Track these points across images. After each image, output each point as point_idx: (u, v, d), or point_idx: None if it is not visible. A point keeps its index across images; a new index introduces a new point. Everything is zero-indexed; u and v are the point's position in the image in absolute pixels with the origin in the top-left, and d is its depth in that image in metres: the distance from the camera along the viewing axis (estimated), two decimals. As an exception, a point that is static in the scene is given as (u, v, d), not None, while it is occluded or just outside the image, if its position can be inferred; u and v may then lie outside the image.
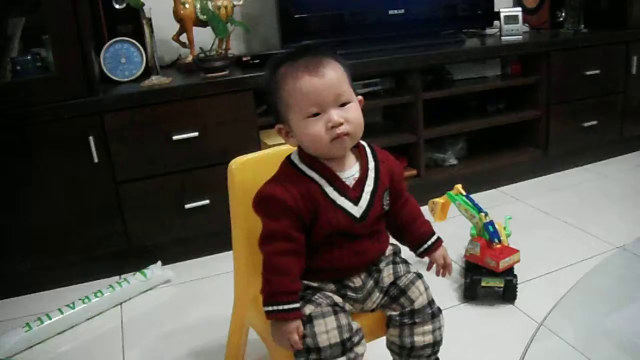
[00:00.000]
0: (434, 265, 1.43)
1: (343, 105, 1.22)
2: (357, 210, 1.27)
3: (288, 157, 1.31)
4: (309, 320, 1.22)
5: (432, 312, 1.33)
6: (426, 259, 1.42)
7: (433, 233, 1.42)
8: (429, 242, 1.40)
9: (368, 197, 1.28)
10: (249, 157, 1.45)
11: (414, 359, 1.32)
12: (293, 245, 1.22)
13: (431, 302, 1.34)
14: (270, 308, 1.20)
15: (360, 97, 1.28)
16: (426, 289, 1.34)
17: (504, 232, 2.07)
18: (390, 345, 1.35)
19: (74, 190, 2.24)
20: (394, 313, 1.33)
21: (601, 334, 1.82)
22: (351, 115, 1.22)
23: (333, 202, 1.25)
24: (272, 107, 1.29)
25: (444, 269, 1.42)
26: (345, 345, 1.21)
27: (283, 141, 1.32)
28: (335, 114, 1.20)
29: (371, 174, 1.31)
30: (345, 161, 1.29)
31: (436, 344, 1.33)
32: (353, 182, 1.28)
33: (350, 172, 1.29)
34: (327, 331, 1.20)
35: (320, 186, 1.25)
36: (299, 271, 1.24)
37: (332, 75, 1.21)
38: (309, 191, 1.24)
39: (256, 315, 1.45)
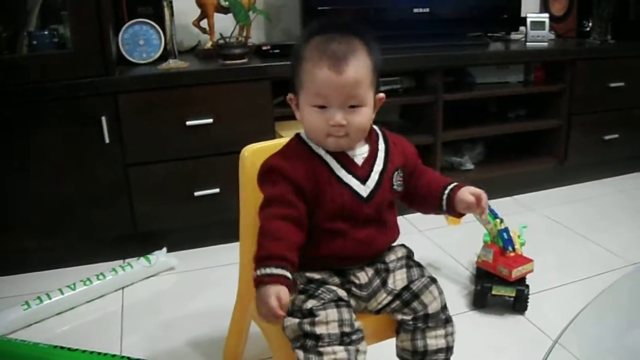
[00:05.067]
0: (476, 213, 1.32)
1: (352, 107, 1.19)
2: (364, 190, 1.24)
3: (297, 134, 1.30)
4: (309, 313, 1.16)
5: (446, 318, 1.28)
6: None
7: (450, 182, 1.32)
8: (447, 191, 1.29)
9: (377, 177, 1.26)
10: (261, 145, 1.41)
11: None
12: (291, 211, 1.17)
13: (444, 308, 1.29)
14: (257, 273, 1.10)
15: (382, 95, 1.26)
16: (440, 293, 1.29)
17: (519, 241, 2.03)
18: (401, 352, 1.30)
19: (83, 170, 2.21)
20: (406, 317, 1.27)
21: (616, 354, 1.76)
22: (356, 120, 1.19)
23: (340, 179, 1.23)
24: (293, 74, 1.25)
25: (478, 203, 1.27)
26: (344, 338, 1.15)
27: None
28: (339, 115, 1.18)
29: (381, 155, 1.29)
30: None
31: (449, 350, 1.28)
32: (362, 160, 1.26)
33: (359, 151, 1.26)
34: (327, 322, 1.15)
35: (327, 162, 1.23)
36: (297, 241, 1.16)
37: (352, 75, 1.17)
38: (314, 166, 1.22)
39: (259, 309, 1.42)
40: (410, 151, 1.36)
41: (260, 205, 1.20)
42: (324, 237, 1.24)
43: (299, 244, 1.17)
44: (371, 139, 1.29)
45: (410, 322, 1.27)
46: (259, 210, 1.20)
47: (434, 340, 1.26)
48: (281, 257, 1.11)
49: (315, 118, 1.19)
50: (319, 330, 1.14)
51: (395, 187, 1.29)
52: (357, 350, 1.16)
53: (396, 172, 1.30)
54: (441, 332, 1.27)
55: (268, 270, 1.09)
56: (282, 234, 1.14)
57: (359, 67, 1.18)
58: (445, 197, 1.29)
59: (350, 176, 1.23)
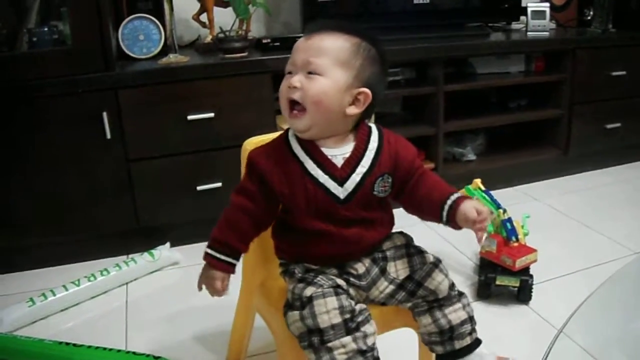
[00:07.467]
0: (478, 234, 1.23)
1: (310, 74, 1.19)
2: (341, 191, 1.22)
3: (287, 130, 1.29)
4: (309, 301, 1.16)
5: (457, 293, 1.29)
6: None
7: (452, 193, 1.25)
8: (450, 202, 1.23)
9: (358, 178, 1.23)
10: (263, 138, 1.40)
11: (457, 341, 1.26)
12: (254, 208, 1.23)
13: (452, 287, 1.28)
14: (209, 251, 1.24)
15: (366, 91, 1.21)
16: (445, 276, 1.28)
17: (522, 231, 2.02)
18: (428, 337, 1.28)
19: (84, 166, 2.21)
20: (417, 301, 1.28)
21: (618, 342, 1.77)
22: (311, 87, 1.18)
23: (315, 180, 1.22)
24: None
25: (479, 223, 1.19)
26: (348, 325, 1.15)
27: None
28: (296, 77, 1.20)
29: (369, 154, 1.25)
30: (339, 141, 1.25)
31: (472, 319, 1.29)
32: (342, 161, 1.23)
33: (340, 151, 1.24)
34: (327, 311, 1.15)
35: (302, 163, 1.22)
36: (250, 235, 1.27)
37: (318, 44, 1.20)
38: (288, 166, 1.23)
39: (263, 301, 1.42)
40: (405, 155, 1.29)
41: (236, 187, 1.28)
42: (312, 240, 1.24)
43: (252, 236, 1.28)
44: (359, 136, 1.26)
45: (423, 303, 1.27)
46: (233, 190, 1.27)
47: (455, 314, 1.26)
48: (232, 247, 1.24)
49: (283, 83, 1.23)
50: (322, 322, 1.14)
51: (375, 192, 1.25)
52: (365, 335, 1.16)
53: (381, 178, 1.25)
54: (458, 305, 1.27)
55: (219, 256, 1.23)
56: (240, 225, 1.24)
57: (328, 40, 1.21)
58: (447, 207, 1.23)
59: (326, 177, 1.21)
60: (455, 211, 1.22)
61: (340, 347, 1.13)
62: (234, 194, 1.25)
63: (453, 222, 1.23)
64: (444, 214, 1.24)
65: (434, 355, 1.31)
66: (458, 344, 1.26)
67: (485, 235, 1.48)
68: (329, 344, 1.13)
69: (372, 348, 1.16)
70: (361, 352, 1.13)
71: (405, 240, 1.35)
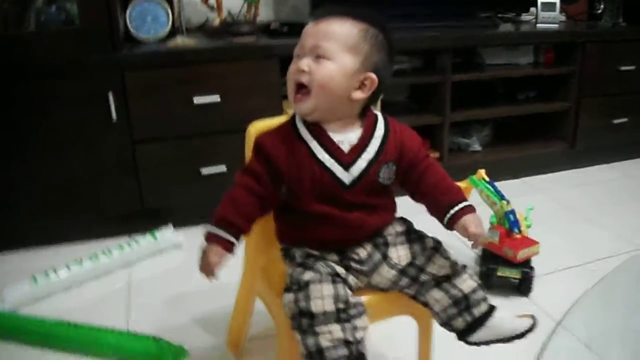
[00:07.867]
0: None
1: (318, 58, 1.20)
2: (346, 177, 1.23)
3: (293, 115, 1.30)
4: (305, 285, 1.17)
5: (462, 265, 1.29)
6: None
7: (459, 201, 1.26)
8: (451, 212, 1.24)
9: (364, 164, 1.24)
10: (267, 122, 1.40)
11: (475, 308, 1.25)
12: (260, 189, 1.23)
13: (455, 264, 1.28)
14: (211, 229, 1.21)
15: (372, 76, 1.23)
16: (446, 258, 1.28)
17: (525, 223, 2.02)
18: (445, 313, 1.27)
19: (89, 147, 2.21)
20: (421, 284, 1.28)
21: (618, 336, 1.77)
22: (319, 70, 1.20)
23: (321, 164, 1.23)
24: None
25: (473, 241, 1.23)
26: (340, 315, 1.15)
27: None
28: (305, 60, 1.21)
29: (375, 142, 1.26)
30: (345, 125, 1.26)
31: (481, 287, 1.28)
32: (348, 147, 1.25)
33: (347, 137, 1.25)
34: (322, 297, 1.15)
35: (310, 147, 1.24)
36: (254, 214, 1.25)
37: (326, 28, 1.21)
38: (296, 149, 1.24)
39: (264, 285, 1.42)
40: (410, 145, 1.30)
41: (242, 167, 1.28)
42: (314, 223, 1.25)
43: (255, 217, 1.25)
44: (365, 123, 1.28)
45: (430, 279, 1.27)
46: (239, 170, 1.27)
47: (465, 284, 1.26)
48: (235, 226, 1.21)
49: (291, 66, 1.24)
50: (315, 307, 1.14)
51: (380, 180, 1.27)
52: (355, 328, 1.16)
53: (385, 166, 1.27)
54: (466, 275, 1.27)
55: (220, 233, 1.20)
56: (244, 205, 1.22)
57: (337, 25, 1.22)
58: (449, 216, 1.24)
59: (333, 160, 1.23)
60: (455, 222, 1.24)
61: (326, 333, 1.13)
62: (240, 174, 1.25)
63: (450, 228, 1.26)
64: (445, 221, 1.26)
65: (434, 344, 1.31)
66: (477, 311, 1.25)
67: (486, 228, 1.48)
68: (316, 328, 1.13)
69: (359, 341, 1.16)
70: (346, 343, 1.13)
71: (405, 226, 1.35)
